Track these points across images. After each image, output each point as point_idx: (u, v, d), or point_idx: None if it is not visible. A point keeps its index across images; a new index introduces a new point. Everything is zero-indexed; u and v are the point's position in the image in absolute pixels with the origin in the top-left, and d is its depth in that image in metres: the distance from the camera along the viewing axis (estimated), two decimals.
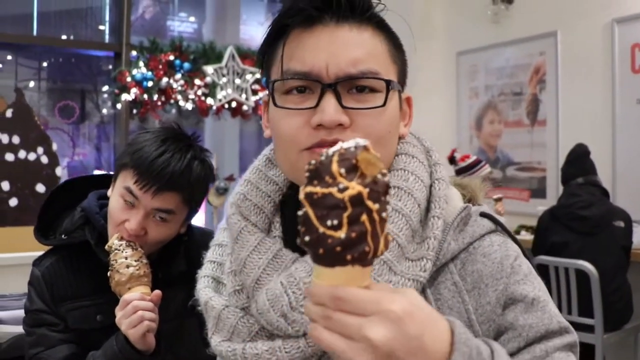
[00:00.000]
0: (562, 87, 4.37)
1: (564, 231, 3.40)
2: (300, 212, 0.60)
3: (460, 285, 0.83)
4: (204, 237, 1.70)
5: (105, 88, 4.60)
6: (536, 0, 4.49)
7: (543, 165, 4.50)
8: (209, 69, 4.31)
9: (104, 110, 4.43)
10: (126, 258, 1.38)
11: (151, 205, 1.39)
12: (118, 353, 1.35)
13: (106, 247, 1.40)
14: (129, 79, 4.05)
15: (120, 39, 4.23)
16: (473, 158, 3.90)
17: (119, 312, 1.35)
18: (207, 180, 1.48)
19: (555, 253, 3.40)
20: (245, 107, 4.50)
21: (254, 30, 5.94)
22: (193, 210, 1.50)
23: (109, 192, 1.50)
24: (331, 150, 0.60)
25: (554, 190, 4.36)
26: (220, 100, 4.34)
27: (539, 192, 4.52)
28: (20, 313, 1.61)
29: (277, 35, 0.88)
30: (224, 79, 4.36)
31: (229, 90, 4.38)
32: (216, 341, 0.90)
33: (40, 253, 1.58)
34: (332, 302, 0.61)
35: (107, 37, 4.76)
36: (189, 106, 4.27)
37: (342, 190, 0.58)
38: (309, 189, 0.59)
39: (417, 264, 0.82)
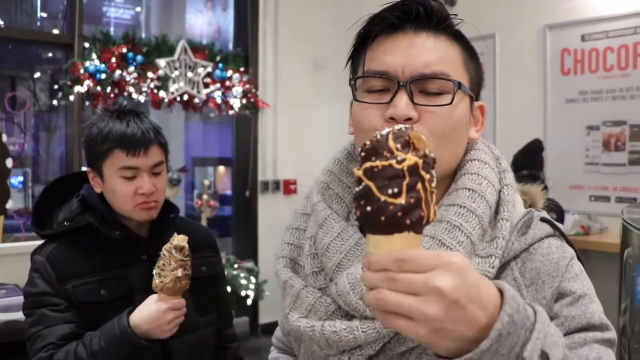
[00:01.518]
0: (499, 86, 4.66)
1: None
2: (357, 189, 0.65)
3: (519, 280, 0.90)
4: (185, 220, 1.88)
5: (37, 75, 4.55)
6: (476, 4, 4.73)
7: None
8: (162, 62, 4.35)
9: (54, 102, 4.40)
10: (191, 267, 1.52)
11: (149, 164, 1.61)
12: (119, 336, 1.47)
13: (176, 242, 1.49)
14: (82, 71, 4.06)
15: (72, 30, 4.22)
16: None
17: (175, 312, 1.51)
18: (159, 126, 1.70)
19: None
20: (196, 100, 4.56)
21: (193, 18, 5.86)
22: (168, 156, 1.72)
23: (97, 189, 1.66)
24: (384, 131, 0.66)
25: None
26: (172, 93, 4.39)
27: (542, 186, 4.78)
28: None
29: (363, 41, 0.98)
30: (176, 72, 4.42)
31: (181, 84, 4.43)
32: (294, 317, 0.96)
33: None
34: (395, 264, 0.62)
35: (39, 22, 4.65)
36: (142, 99, 4.31)
37: (400, 162, 0.63)
38: (368, 164, 0.64)
39: (486, 261, 0.89)
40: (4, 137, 3.89)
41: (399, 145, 0.64)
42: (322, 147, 4.90)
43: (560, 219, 3.70)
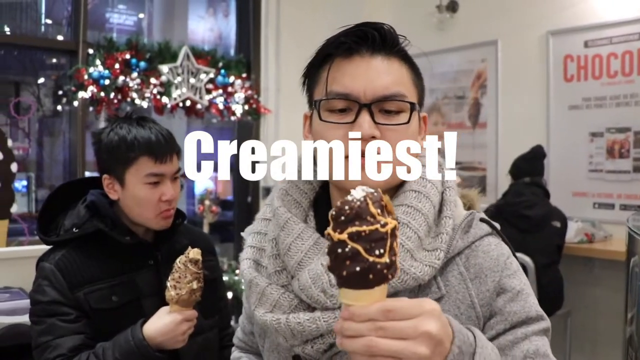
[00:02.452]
0: (501, 92, 4.65)
1: (507, 227, 3.65)
2: (340, 250, 0.72)
3: (465, 274, 1.03)
4: (187, 227, 1.88)
5: (42, 80, 4.56)
6: (478, 10, 4.73)
7: (483, 165, 4.77)
8: (165, 68, 4.36)
9: (59, 107, 4.40)
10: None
11: (172, 170, 1.64)
12: (134, 349, 1.48)
13: (192, 255, 1.50)
14: (86, 77, 4.06)
15: (77, 37, 4.23)
16: None
17: (189, 323, 1.54)
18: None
19: None
20: (199, 106, 4.57)
21: (195, 24, 5.88)
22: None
23: (113, 196, 1.67)
24: (358, 195, 0.74)
25: (493, 188, 4.64)
26: (175, 99, 4.39)
27: (479, 189, 4.76)
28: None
29: (321, 62, 1.07)
30: (179, 78, 4.42)
31: (184, 89, 4.44)
32: (260, 312, 1.06)
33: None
34: (382, 315, 0.73)
35: (43, 28, 4.65)
36: (145, 104, 4.32)
37: (384, 225, 0.72)
38: (354, 229, 0.72)
39: (432, 254, 1.01)
40: (10, 142, 3.91)
41: (379, 210, 0.73)
42: None
43: (564, 227, 3.69)
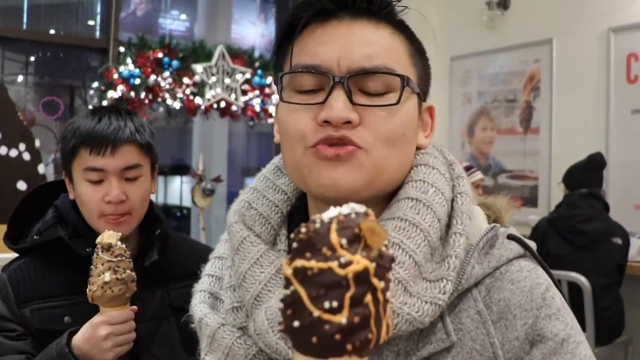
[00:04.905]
0: (556, 95, 4.32)
1: (560, 242, 3.35)
2: (285, 292, 0.50)
3: (485, 314, 0.75)
4: (184, 241, 1.66)
5: (95, 85, 4.51)
6: (532, 7, 4.44)
7: (535, 173, 4.45)
8: (198, 67, 4.22)
9: (90, 107, 4.33)
10: (132, 270, 1.31)
11: (118, 166, 1.41)
12: (55, 357, 1.27)
13: (99, 240, 1.30)
14: (115, 76, 3.95)
15: (108, 34, 4.14)
16: (463, 164, 3.84)
17: (111, 327, 1.29)
18: (150, 127, 1.50)
19: (549, 263, 3.35)
20: (234, 108, 4.42)
21: (246, 30, 5.88)
22: (154, 161, 1.51)
23: (71, 195, 1.47)
24: (326, 215, 0.51)
25: (546, 198, 4.31)
26: (209, 99, 4.25)
27: (530, 200, 4.46)
28: None
29: (290, 31, 0.83)
30: (213, 78, 4.28)
31: (218, 90, 4.29)
32: None
33: (9, 256, 1.52)
34: None
35: (97, 32, 4.67)
36: (177, 105, 4.19)
37: (344, 265, 0.48)
38: (301, 262, 0.49)
39: (435, 285, 0.74)
40: (37, 143, 3.83)
41: (344, 241, 0.48)
42: None
43: (626, 244, 3.34)
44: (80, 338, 1.28)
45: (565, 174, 3.65)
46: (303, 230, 0.50)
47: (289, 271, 0.49)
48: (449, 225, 0.80)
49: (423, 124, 0.87)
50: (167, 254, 1.52)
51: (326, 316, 0.47)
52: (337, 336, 0.47)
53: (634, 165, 3.91)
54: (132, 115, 1.48)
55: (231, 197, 5.77)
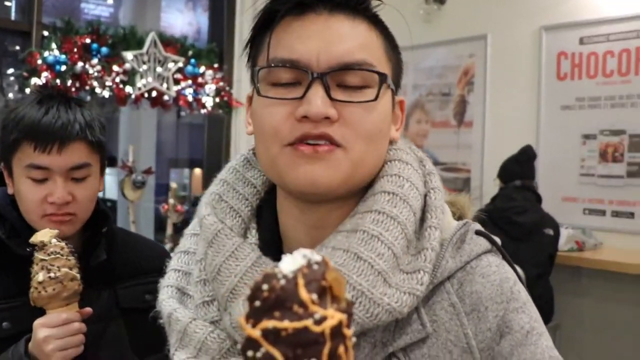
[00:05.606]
0: (489, 90, 4.42)
1: (497, 234, 3.41)
2: (250, 353, 0.47)
3: (458, 306, 0.78)
4: (132, 238, 1.56)
5: (11, 70, 4.22)
6: (468, 2, 4.50)
7: (468, 166, 4.54)
8: (129, 55, 4.03)
9: (10, 95, 4.04)
10: (70, 268, 1.23)
11: (65, 165, 1.29)
12: None
13: (33, 239, 1.22)
14: (39, 62, 3.71)
15: (30, 17, 3.88)
16: None
17: (50, 329, 1.20)
18: (101, 121, 1.39)
19: None
20: (166, 97, 4.25)
21: (174, 17, 5.68)
22: (103, 158, 1.41)
23: (10, 190, 1.36)
24: (286, 268, 0.48)
25: (478, 191, 4.41)
26: (139, 88, 4.07)
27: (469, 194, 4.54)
28: None
29: (265, 23, 0.82)
30: (145, 67, 4.10)
31: (150, 79, 4.11)
32: (181, 358, 0.82)
33: None
34: None
35: (13, 14, 4.37)
36: (106, 94, 3.98)
37: (319, 322, 0.46)
38: (272, 323, 0.46)
39: (412, 277, 0.77)
40: None
41: (314, 296, 0.47)
42: None
43: (557, 235, 3.46)
44: (30, 343, 1.21)
45: (499, 168, 3.75)
46: (265, 287, 0.47)
47: (256, 333, 0.46)
48: (422, 219, 0.82)
49: (394, 117, 0.88)
50: (114, 252, 1.44)
51: None
52: None
53: (562, 159, 4.06)
54: (82, 106, 1.36)
55: (160, 190, 5.60)
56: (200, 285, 0.85)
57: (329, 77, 0.77)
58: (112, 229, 1.45)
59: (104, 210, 1.44)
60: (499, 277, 0.80)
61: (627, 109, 3.79)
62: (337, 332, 0.47)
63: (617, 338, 3.65)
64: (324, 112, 0.75)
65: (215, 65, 4.56)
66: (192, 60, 4.40)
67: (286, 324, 0.46)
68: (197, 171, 5.54)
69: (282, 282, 0.47)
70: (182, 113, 4.68)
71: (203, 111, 4.50)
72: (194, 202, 4.91)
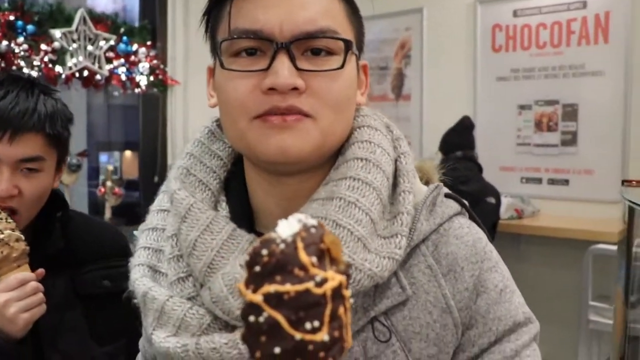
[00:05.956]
0: (426, 63, 4.46)
1: None
2: (252, 319, 0.48)
3: (435, 268, 0.80)
4: (88, 222, 1.50)
5: None
6: None
7: (408, 138, 4.53)
8: (57, 33, 3.84)
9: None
10: (13, 230, 1.19)
11: (15, 156, 1.22)
12: None
13: None
14: None
15: None
16: None
17: (8, 293, 1.16)
18: (65, 113, 1.33)
19: None
20: (98, 77, 4.10)
21: None
22: (62, 154, 1.34)
23: None
24: (284, 233, 0.49)
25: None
26: (70, 68, 3.90)
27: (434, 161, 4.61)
28: None
29: None
30: (75, 45, 3.92)
31: (80, 58, 3.95)
32: (160, 337, 0.79)
33: None
34: None
35: None
36: (34, 74, 3.79)
37: (320, 284, 0.47)
38: (273, 287, 0.47)
39: (390, 241, 0.78)
40: None
41: (314, 259, 0.48)
42: None
43: (499, 203, 3.55)
44: None
45: (440, 142, 3.80)
46: (264, 252, 0.48)
47: (258, 298, 0.47)
48: (394, 185, 0.83)
49: (359, 82, 0.88)
50: (70, 238, 1.38)
51: (309, 337, 0.47)
52: (321, 354, 0.47)
53: (498, 129, 4.16)
54: (48, 95, 1.29)
55: (92, 173, 5.42)
56: (173, 262, 0.83)
57: (294, 46, 0.76)
58: (67, 214, 1.39)
59: (58, 194, 1.38)
60: (472, 238, 0.82)
61: (559, 79, 3.91)
62: (337, 294, 0.48)
63: (554, 300, 3.80)
64: (291, 82, 0.74)
65: (149, 43, 4.43)
66: (125, 38, 4.25)
67: (288, 287, 0.47)
68: (128, 153, 5.41)
69: (282, 246, 0.48)
70: (116, 93, 4.51)
71: (137, 90, 4.36)
72: (126, 186, 4.81)
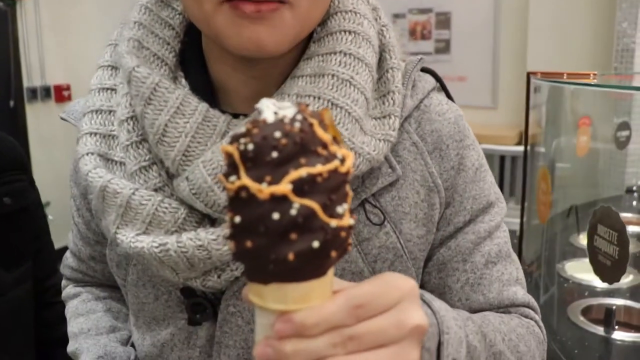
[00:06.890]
0: None
1: None
2: (277, 215, 0.39)
3: (420, 146, 0.75)
4: None
5: None
6: None
7: None
8: None
9: None
10: None
11: None
12: None
13: None
14: None
15: None
16: None
17: None
18: None
19: None
20: None
21: None
22: None
23: None
24: (286, 110, 0.41)
25: None
26: None
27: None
28: None
29: None
30: None
31: None
32: (129, 237, 0.68)
33: None
34: (351, 315, 0.44)
35: None
36: None
37: (342, 161, 0.41)
38: (304, 171, 0.39)
39: (384, 122, 0.71)
40: None
41: (329, 136, 0.42)
42: (96, 44, 4.27)
43: None
44: None
45: None
46: (278, 135, 0.39)
47: (286, 188, 0.39)
48: (380, 60, 0.75)
49: None
50: None
51: (341, 223, 0.41)
52: (349, 240, 0.43)
53: None
54: None
55: None
56: (132, 149, 0.71)
57: None
58: None
59: None
60: (454, 115, 0.77)
61: None
62: (349, 172, 0.43)
63: None
64: None
65: None
66: None
67: (320, 168, 0.39)
68: None
69: (297, 124, 0.40)
70: None
71: None
72: None
